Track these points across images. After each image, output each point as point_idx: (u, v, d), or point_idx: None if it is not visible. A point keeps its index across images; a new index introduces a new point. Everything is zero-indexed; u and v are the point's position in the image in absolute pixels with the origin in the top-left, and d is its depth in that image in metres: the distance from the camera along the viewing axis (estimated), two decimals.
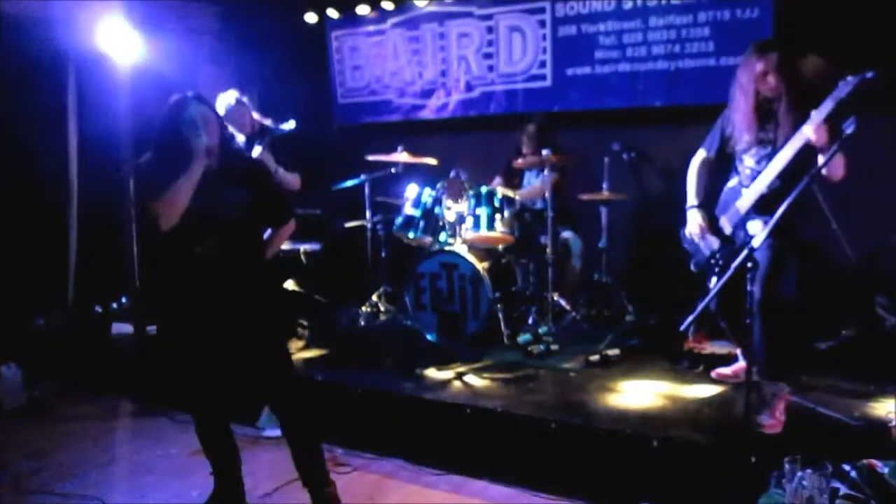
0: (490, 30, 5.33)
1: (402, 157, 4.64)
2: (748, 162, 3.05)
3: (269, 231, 2.83)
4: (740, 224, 3.05)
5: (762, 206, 2.94)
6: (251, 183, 2.70)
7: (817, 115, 2.68)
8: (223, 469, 2.83)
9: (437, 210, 4.43)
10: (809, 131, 2.70)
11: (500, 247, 4.50)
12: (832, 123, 2.65)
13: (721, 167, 3.24)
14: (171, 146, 2.55)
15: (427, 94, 5.68)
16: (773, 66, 2.87)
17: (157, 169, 2.58)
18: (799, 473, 1.98)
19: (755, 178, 2.98)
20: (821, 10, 4.00)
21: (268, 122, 4.31)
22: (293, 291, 4.65)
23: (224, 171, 2.61)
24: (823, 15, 3.96)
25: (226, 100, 4.27)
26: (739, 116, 3.01)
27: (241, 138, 4.18)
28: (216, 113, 2.66)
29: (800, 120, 2.78)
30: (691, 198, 3.24)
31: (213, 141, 2.56)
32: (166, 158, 2.55)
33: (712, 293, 2.44)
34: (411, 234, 4.45)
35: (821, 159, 2.61)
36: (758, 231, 2.86)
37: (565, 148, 4.55)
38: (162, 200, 2.48)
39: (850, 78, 2.61)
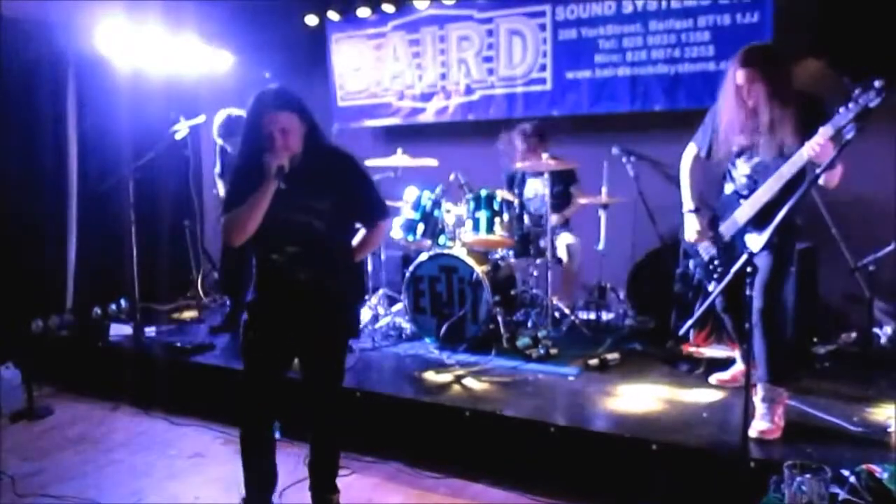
0: (490, 33, 5.34)
1: (400, 160, 4.62)
2: (742, 168, 2.99)
3: (362, 231, 2.65)
4: (738, 234, 3.01)
5: (761, 220, 2.87)
6: (336, 184, 2.47)
7: (819, 137, 2.61)
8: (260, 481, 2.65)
9: (436, 213, 4.43)
10: (808, 151, 2.63)
11: (500, 250, 4.50)
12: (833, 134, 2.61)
13: (719, 172, 3.22)
14: (250, 155, 2.40)
15: (427, 97, 5.68)
16: (751, 80, 2.80)
17: (236, 180, 2.47)
18: (798, 478, 1.99)
19: (751, 186, 2.94)
20: (821, 14, 4.00)
21: None
22: None
23: (306, 177, 2.41)
24: (824, 19, 3.97)
25: (227, 113, 4.31)
26: (730, 125, 2.94)
27: None
28: (301, 109, 2.41)
29: (790, 127, 2.72)
30: (687, 202, 3.21)
31: (292, 151, 2.38)
32: (245, 169, 2.42)
33: (710, 298, 2.44)
34: (410, 237, 4.44)
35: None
36: (754, 244, 2.84)
37: (562, 152, 4.56)
38: (230, 220, 2.38)
39: (851, 105, 2.52)
